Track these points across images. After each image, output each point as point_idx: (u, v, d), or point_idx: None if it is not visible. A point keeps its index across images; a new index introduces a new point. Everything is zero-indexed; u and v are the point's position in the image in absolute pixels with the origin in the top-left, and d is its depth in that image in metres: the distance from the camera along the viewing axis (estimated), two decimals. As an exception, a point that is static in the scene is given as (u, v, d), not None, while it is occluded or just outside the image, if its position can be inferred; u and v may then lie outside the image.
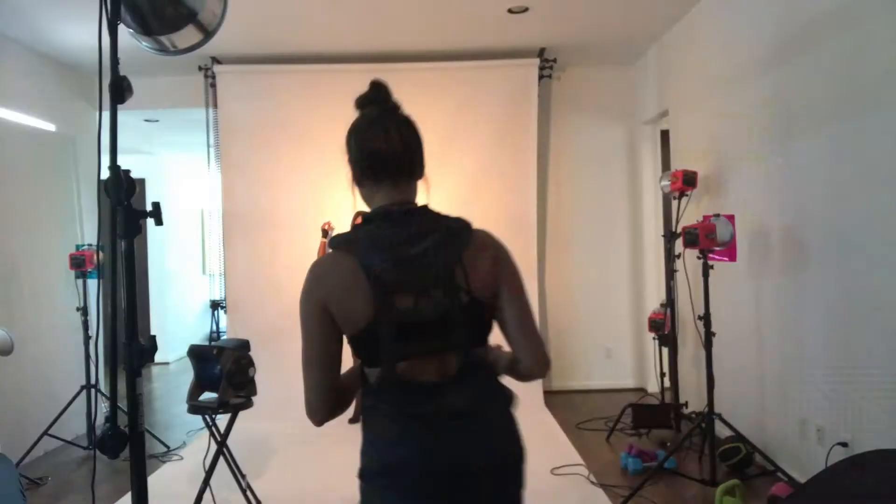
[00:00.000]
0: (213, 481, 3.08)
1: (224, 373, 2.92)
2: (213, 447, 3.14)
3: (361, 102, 1.44)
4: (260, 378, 3.08)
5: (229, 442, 3.17)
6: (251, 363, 3.02)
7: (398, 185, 1.41)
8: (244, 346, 3.07)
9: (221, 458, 3.13)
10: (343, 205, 5.38)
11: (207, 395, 3.11)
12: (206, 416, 3.13)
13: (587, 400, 5.62)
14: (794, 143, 3.48)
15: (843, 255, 3.11)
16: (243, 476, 3.20)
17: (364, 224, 1.39)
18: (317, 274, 1.36)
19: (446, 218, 1.40)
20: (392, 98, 1.44)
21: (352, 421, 4.71)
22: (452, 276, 1.32)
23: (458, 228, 1.39)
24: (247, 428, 3.17)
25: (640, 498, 3.39)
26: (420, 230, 1.34)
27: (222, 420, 3.17)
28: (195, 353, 3.09)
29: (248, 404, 3.07)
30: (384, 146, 1.39)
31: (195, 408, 3.08)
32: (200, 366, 3.06)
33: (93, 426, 4.59)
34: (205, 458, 3.16)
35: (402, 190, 1.42)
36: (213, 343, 3.25)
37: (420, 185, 1.49)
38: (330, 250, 1.40)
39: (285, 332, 5.42)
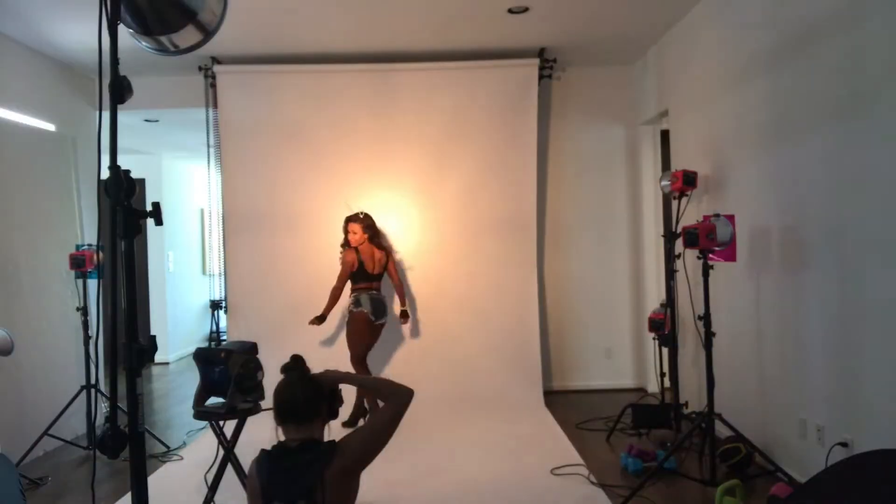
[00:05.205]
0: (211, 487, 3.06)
1: (233, 377, 2.86)
2: (220, 455, 3.10)
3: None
4: (261, 379, 3.06)
5: (235, 448, 3.10)
6: (259, 367, 2.95)
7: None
8: (252, 349, 3.01)
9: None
10: (341, 204, 5.39)
11: (213, 400, 3.08)
12: (214, 423, 3.10)
13: (587, 400, 5.62)
14: (794, 143, 3.48)
15: (843, 255, 3.11)
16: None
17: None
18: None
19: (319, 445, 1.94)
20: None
21: (346, 424, 4.72)
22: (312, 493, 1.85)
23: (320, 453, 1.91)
24: (252, 432, 3.07)
25: (640, 498, 3.39)
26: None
27: (227, 424, 3.13)
28: (202, 356, 3.01)
29: (256, 409, 2.97)
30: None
31: (202, 413, 3.01)
32: (207, 370, 2.98)
33: (93, 426, 4.59)
34: (211, 467, 3.12)
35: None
36: (220, 346, 3.19)
37: None
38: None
39: (286, 332, 5.46)
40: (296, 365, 2.02)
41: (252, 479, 1.94)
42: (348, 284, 4.94)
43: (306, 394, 1.95)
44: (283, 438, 1.96)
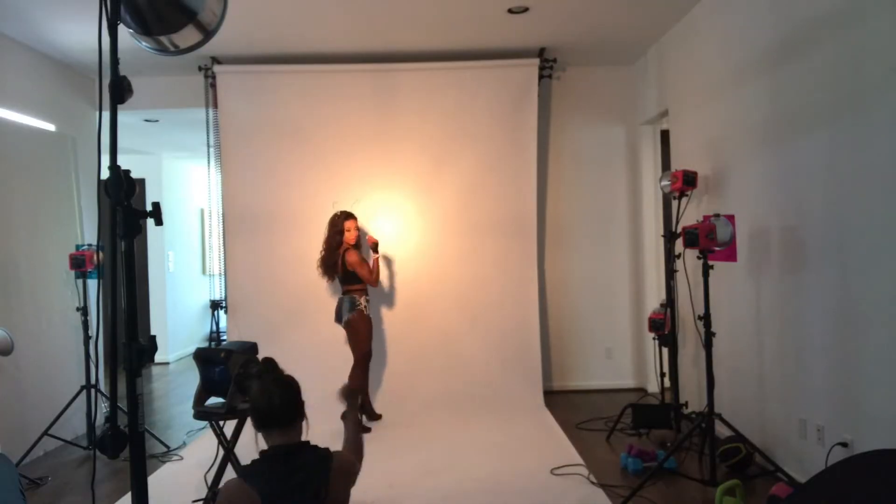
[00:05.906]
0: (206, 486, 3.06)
1: (233, 377, 2.87)
2: (220, 455, 3.11)
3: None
4: (261, 379, 3.05)
5: (235, 448, 3.12)
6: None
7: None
8: (252, 349, 3.02)
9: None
10: (339, 205, 5.39)
11: (213, 400, 3.08)
12: (214, 423, 3.09)
13: (587, 400, 5.62)
14: (794, 143, 3.48)
15: (843, 255, 3.11)
16: None
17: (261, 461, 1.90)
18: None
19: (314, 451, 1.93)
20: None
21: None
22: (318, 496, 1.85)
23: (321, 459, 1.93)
24: (252, 432, 3.05)
25: (640, 498, 3.39)
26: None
27: (227, 424, 3.14)
28: (202, 356, 3.02)
29: None
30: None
31: (202, 413, 3.02)
32: (207, 370, 2.99)
33: (93, 426, 4.59)
34: (211, 467, 3.12)
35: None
36: (220, 346, 3.20)
37: None
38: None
39: (286, 332, 5.47)
40: (268, 368, 2.01)
41: (244, 493, 1.80)
42: (339, 286, 4.95)
43: (284, 397, 1.93)
44: (264, 446, 1.93)
